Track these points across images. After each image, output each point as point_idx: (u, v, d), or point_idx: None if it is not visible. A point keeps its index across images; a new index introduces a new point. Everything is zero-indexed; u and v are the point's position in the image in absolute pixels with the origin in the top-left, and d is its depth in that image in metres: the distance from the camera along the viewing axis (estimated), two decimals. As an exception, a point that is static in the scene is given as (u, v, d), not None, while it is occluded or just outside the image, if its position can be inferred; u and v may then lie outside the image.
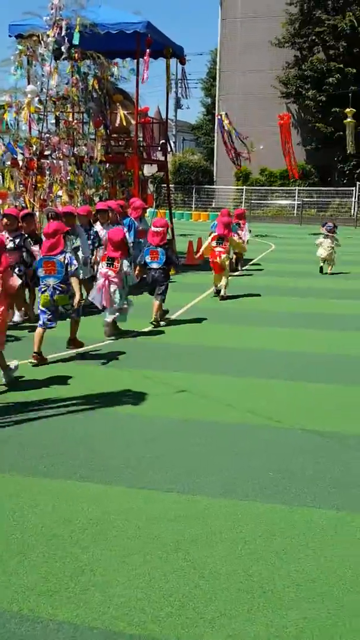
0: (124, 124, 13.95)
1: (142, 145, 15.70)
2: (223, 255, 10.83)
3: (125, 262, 8.07)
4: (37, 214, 11.24)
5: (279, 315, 9.84)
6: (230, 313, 10.04)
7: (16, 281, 6.14)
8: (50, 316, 6.91)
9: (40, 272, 6.95)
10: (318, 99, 34.13)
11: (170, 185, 35.29)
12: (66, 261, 6.85)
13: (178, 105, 52.73)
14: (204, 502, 4.00)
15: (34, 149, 12.04)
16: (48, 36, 12.33)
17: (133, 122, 14.16)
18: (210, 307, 10.36)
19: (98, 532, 3.65)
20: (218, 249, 10.84)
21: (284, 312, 10.09)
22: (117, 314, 8.11)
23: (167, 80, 15.56)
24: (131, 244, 10.48)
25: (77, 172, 12.16)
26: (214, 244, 10.96)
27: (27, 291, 8.84)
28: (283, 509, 3.93)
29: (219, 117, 31.02)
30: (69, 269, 6.86)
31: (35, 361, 6.86)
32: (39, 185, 11.91)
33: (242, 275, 14.09)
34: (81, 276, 7.94)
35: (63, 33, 12.29)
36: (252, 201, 35.92)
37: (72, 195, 12.14)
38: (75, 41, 12.44)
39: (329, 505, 3.99)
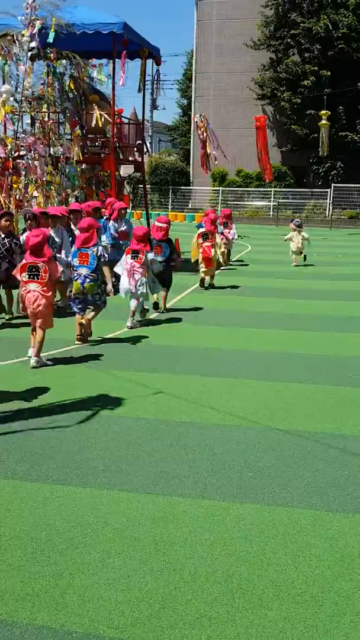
0: (100, 125, 13.89)
1: (119, 146, 15.65)
2: (212, 250, 11.70)
3: (150, 255, 8.95)
4: (14, 214, 11.12)
5: (258, 316, 9.87)
6: (209, 313, 10.05)
7: (59, 269, 7.18)
8: (80, 305, 7.76)
9: (75, 262, 7.72)
10: (293, 101, 34.30)
11: (147, 186, 35.32)
12: (99, 253, 7.72)
13: (154, 106, 52.67)
14: (183, 504, 3.99)
15: (9, 148, 11.93)
16: (23, 36, 12.23)
17: (109, 122, 14.12)
18: (188, 307, 10.36)
19: (77, 535, 3.62)
20: (206, 244, 11.66)
21: (262, 313, 10.12)
22: (141, 299, 8.80)
23: (142, 81, 15.54)
24: (108, 245, 10.53)
25: (53, 172, 12.08)
26: (200, 240, 11.77)
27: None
28: (262, 510, 3.94)
29: (196, 119, 30.68)
30: (100, 261, 7.78)
31: (80, 342, 7.79)
32: (14, 185, 11.80)
33: (225, 269, 14.10)
34: (62, 278, 8.79)
35: (38, 33, 12.20)
36: (229, 202, 36.00)
37: (48, 195, 12.06)
38: (50, 39, 12.37)
39: (307, 505, 4.00)
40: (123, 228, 11.16)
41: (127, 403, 5.82)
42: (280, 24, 35.23)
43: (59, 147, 12.76)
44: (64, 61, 13.34)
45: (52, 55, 12.81)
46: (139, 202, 33.81)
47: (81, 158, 13.16)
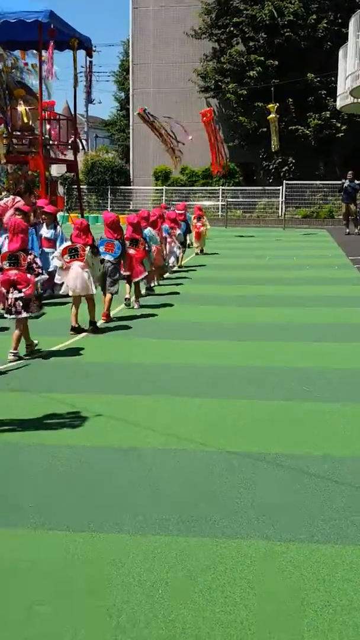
0: (26, 120, 13.75)
1: (49, 144, 15.52)
2: (202, 228, 18.51)
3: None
4: None
5: (200, 326, 9.86)
6: (148, 325, 9.99)
7: None
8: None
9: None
10: (239, 93, 34.66)
11: (83, 187, 35.07)
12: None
13: (89, 100, 52.60)
14: (120, 541, 3.90)
15: None
16: None
17: (37, 118, 14.00)
18: (127, 319, 10.28)
19: (2, 581, 3.50)
20: (198, 223, 18.37)
21: (205, 322, 10.12)
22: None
23: (74, 73, 15.49)
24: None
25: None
26: (195, 221, 18.29)
27: None
28: (208, 543, 3.88)
29: (146, 110, 30.56)
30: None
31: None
32: None
33: (169, 276, 14.09)
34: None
35: None
36: (173, 202, 36.08)
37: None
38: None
39: (257, 535, 3.97)
40: (51, 235, 11.40)
41: (60, 429, 5.70)
42: (222, 12, 35.59)
43: (-18, 146, 12.57)
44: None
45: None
46: (74, 204, 33.63)
47: (3, 159, 12.98)
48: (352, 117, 31.80)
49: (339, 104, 28.89)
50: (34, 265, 7.78)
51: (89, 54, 16.26)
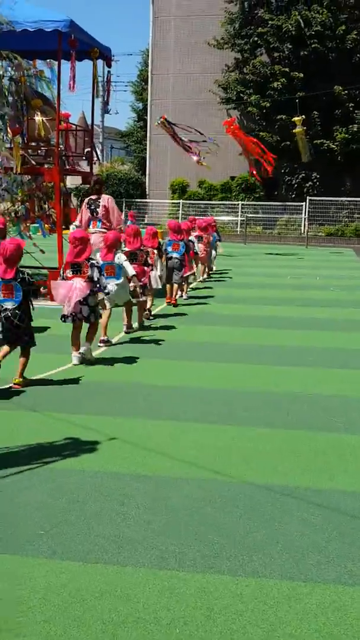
0: (42, 132, 13.85)
1: (65, 155, 15.62)
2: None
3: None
4: None
5: (217, 348, 9.84)
6: (163, 345, 9.98)
7: None
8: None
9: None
10: (262, 105, 34.85)
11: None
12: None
13: (105, 111, 53.10)
14: (135, 575, 3.87)
15: None
16: None
17: (53, 129, 14.10)
18: (138, 339, 10.29)
19: (10, 614, 3.47)
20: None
21: (222, 344, 10.10)
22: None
23: (93, 84, 15.62)
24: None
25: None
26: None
27: None
28: (228, 581, 3.84)
29: (164, 119, 30.79)
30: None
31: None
32: None
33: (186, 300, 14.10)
34: None
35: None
36: (190, 217, 36.20)
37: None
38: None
39: (281, 574, 3.92)
40: None
41: (70, 452, 5.68)
42: (246, 21, 35.92)
43: (-2, 157, 12.68)
44: (2, 62, 13.28)
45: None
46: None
47: (20, 169, 13.05)
48: (380, 132, 31.87)
49: (367, 117, 28.95)
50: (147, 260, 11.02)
51: (108, 64, 16.34)
